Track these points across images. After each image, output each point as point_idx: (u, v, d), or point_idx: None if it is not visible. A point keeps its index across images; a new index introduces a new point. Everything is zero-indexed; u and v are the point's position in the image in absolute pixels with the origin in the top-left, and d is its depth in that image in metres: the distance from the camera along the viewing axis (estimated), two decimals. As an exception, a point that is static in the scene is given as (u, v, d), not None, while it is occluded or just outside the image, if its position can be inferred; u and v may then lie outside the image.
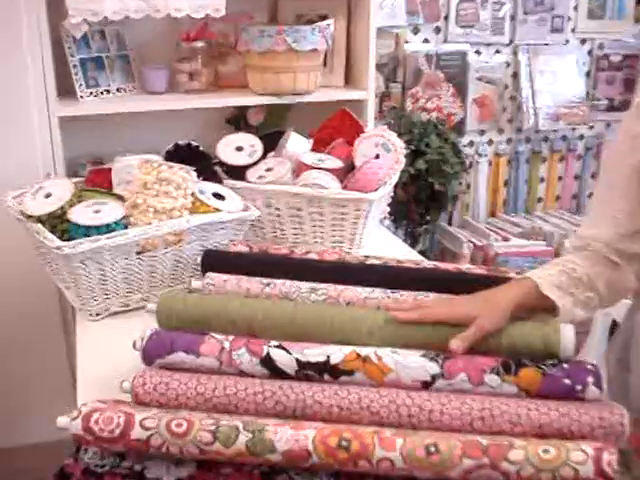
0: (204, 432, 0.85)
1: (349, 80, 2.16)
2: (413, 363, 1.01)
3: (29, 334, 1.97)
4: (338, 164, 1.75)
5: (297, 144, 1.80)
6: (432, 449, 0.83)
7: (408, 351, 1.03)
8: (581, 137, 2.80)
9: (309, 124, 1.96)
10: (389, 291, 1.19)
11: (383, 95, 2.43)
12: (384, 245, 1.85)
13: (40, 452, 0.86)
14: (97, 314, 1.42)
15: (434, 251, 2.55)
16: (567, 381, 0.99)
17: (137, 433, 0.86)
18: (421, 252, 2.31)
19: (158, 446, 0.85)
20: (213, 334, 1.05)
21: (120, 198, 1.48)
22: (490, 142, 2.66)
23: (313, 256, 1.39)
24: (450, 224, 2.63)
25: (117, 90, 2.01)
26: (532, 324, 1.09)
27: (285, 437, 0.84)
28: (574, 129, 2.75)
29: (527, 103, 2.59)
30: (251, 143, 1.79)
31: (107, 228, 1.36)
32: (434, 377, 1.00)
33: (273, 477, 0.90)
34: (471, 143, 2.62)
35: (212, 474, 0.91)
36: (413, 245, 2.40)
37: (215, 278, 1.24)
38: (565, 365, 1.00)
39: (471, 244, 2.42)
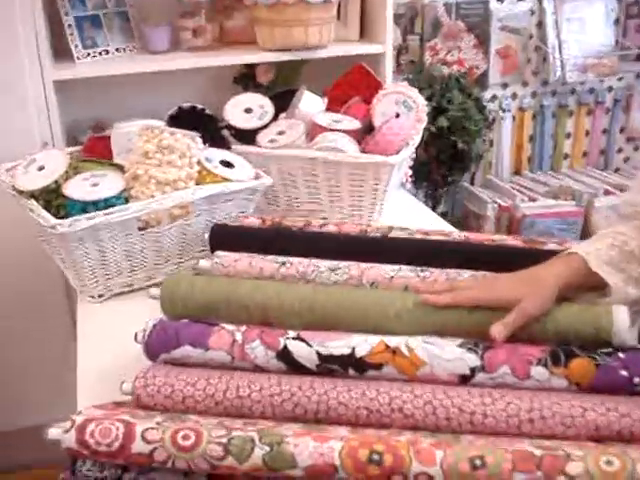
0: (214, 445, 0.74)
1: (365, 33, 2.01)
2: (449, 354, 0.89)
3: (32, 317, 1.86)
4: (355, 125, 1.61)
5: (311, 103, 1.67)
6: (478, 462, 0.72)
7: (443, 340, 0.92)
8: (610, 89, 2.64)
9: (323, 81, 1.82)
10: (418, 269, 1.07)
11: (400, 48, 2.27)
12: (406, 211, 1.73)
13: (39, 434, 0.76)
14: (99, 296, 1.31)
15: (456, 214, 2.42)
16: (624, 372, 0.87)
17: (138, 446, 0.75)
18: (442, 214, 2.19)
19: (163, 460, 0.75)
20: (223, 324, 0.94)
21: (120, 169, 1.36)
22: (514, 96, 2.50)
23: (332, 228, 1.27)
24: (472, 184, 2.49)
25: (116, 50, 1.86)
26: (580, 306, 0.97)
27: (307, 450, 0.73)
28: (602, 81, 2.59)
29: (553, 53, 2.42)
30: (261, 104, 1.66)
31: (106, 203, 1.24)
32: (473, 370, 0.89)
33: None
34: (494, 97, 2.46)
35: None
36: (434, 208, 2.27)
37: (224, 257, 1.12)
38: (621, 354, 0.89)
39: (496, 205, 2.29)
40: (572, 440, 0.81)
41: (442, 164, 2.12)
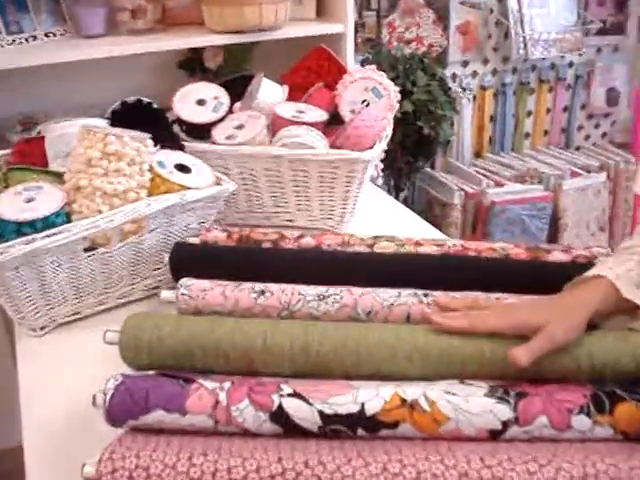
0: None
1: (321, 11, 1.83)
2: (477, 407, 0.75)
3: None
4: (322, 116, 1.45)
5: (270, 92, 1.49)
6: None
7: (467, 387, 0.77)
8: (570, 64, 2.53)
9: (276, 65, 1.64)
10: (420, 293, 0.92)
11: (356, 25, 2.10)
12: (379, 210, 1.58)
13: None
14: (41, 328, 1.12)
15: (418, 200, 2.28)
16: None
17: None
18: (404, 202, 2.06)
19: None
20: (202, 380, 0.78)
21: (58, 177, 1.17)
22: (474, 74, 2.37)
23: (309, 240, 1.11)
24: (433, 168, 2.36)
25: (45, 35, 1.64)
26: (614, 334, 0.84)
27: None
28: (562, 56, 2.48)
29: (515, 29, 2.29)
30: (215, 94, 1.47)
31: (44, 223, 1.05)
32: (506, 424, 0.75)
33: None
34: (454, 76, 2.32)
35: None
36: (397, 196, 2.13)
37: (192, 286, 0.95)
38: (673, 394, 0.76)
39: (462, 192, 2.15)
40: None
41: (406, 151, 1.97)
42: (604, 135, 2.74)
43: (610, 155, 2.52)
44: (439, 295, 0.92)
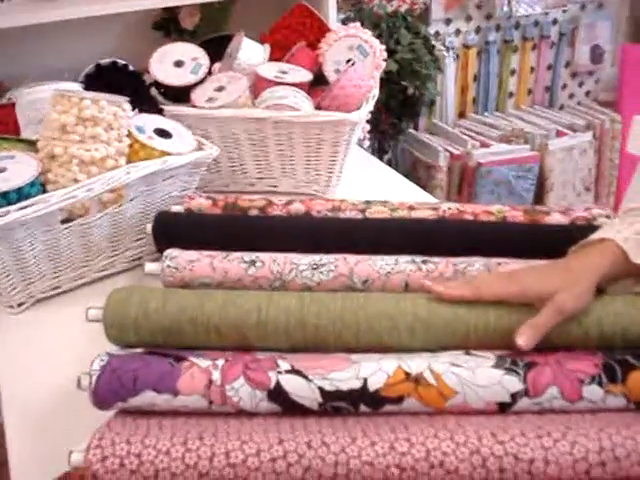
0: None
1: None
2: (485, 379, 0.71)
3: None
4: (306, 76, 1.39)
5: (251, 53, 1.43)
6: None
7: (473, 358, 0.74)
8: (554, 22, 2.47)
9: (256, 24, 1.57)
10: (419, 260, 0.88)
11: (337, -18, 2.03)
12: (365, 172, 1.53)
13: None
14: (19, 304, 1.07)
15: (402, 162, 2.23)
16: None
17: None
18: (388, 163, 2.01)
19: None
20: (193, 359, 0.73)
21: (31, 145, 1.11)
22: (457, 32, 2.30)
23: (298, 206, 1.06)
24: (416, 129, 2.30)
25: (8, -5, 1.56)
26: (623, 300, 0.80)
27: None
28: (547, 13, 2.42)
29: (498, -16, 2.24)
30: (193, 55, 1.41)
31: (18, 194, 0.99)
32: (515, 396, 0.71)
33: None
34: (437, 34, 2.26)
35: None
36: (380, 160, 2.08)
37: (178, 258, 0.90)
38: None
39: (447, 154, 2.11)
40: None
41: (391, 112, 1.91)
42: (588, 93, 2.70)
43: (595, 114, 2.48)
44: (438, 262, 0.87)
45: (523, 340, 0.73)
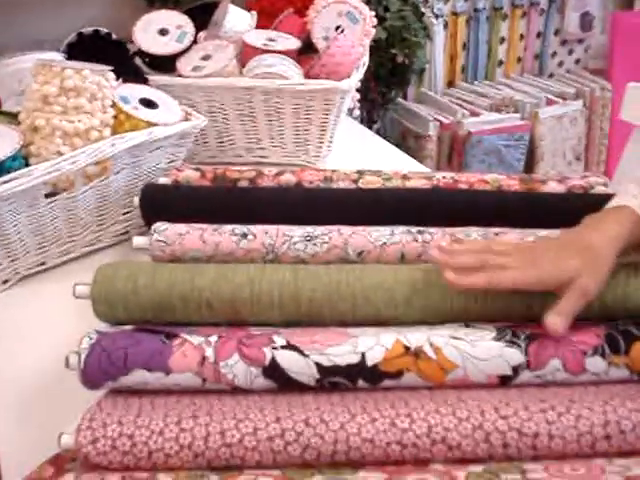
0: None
1: None
2: (485, 352, 0.70)
3: None
4: (294, 44, 1.36)
5: (237, 20, 1.39)
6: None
7: (473, 331, 0.72)
8: (544, -14, 2.45)
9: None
10: (414, 230, 0.86)
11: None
12: (356, 142, 1.50)
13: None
14: (4, 281, 1.04)
15: (394, 134, 2.20)
16: None
17: None
18: (378, 134, 1.98)
19: None
20: (185, 335, 0.71)
21: (13, 118, 1.07)
22: (446, -1, 2.27)
23: (289, 177, 1.03)
24: (405, 98, 2.27)
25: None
26: (625, 269, 0.78)
27: (343, 529, 0.52)
28: (536, -23, 2.39)
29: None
30: (178, 23, 1.37)
31: (0, 168, 0.96)
32: (516, 369, 0.69)
33: None
34: (425, 1, 2.21)
35: None
36: (370, 129, 2.05)
37: (166, 231, 0.87)
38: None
39: (437, 123, 2.08)
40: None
41: (380, 81, 1.88)
42: (578, 61, 2.67)
43: (585, 82, 2.46)
44: (435, 232, 0.85)
45: (554, 324, 0.69)
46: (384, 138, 1.86)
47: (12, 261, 1.03)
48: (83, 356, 0.69)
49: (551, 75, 2.57)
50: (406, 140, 2.15)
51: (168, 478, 0.60)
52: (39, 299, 1.02)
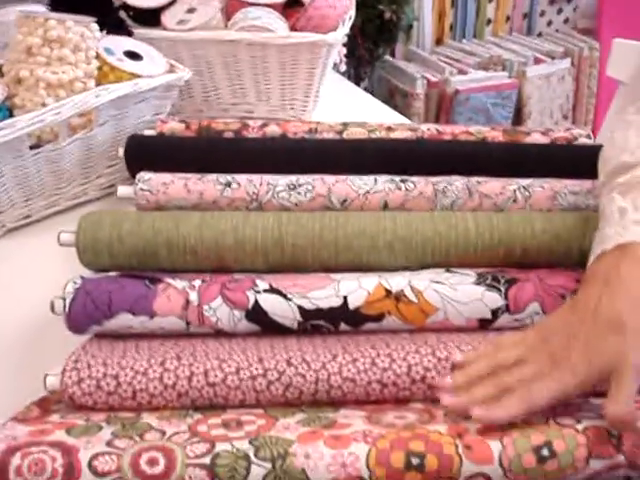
0: (194, 469, 0.53)
1: None
2: (466, 296, 0.71)
3: None
4: (279, -4, 1.35)
5: (222, -27, 1.37)
6: (545, 453, 0.55)
7: (454, 275, 0.73)
8: (533, -58, 2.43)
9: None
10: (397, 179, 0.86)
11: None
12: (343, 98, 1.50)
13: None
14: (-11, 234, 1.04)
15: (381, 91, 2.19)
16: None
17: (87, 483, 0.53)
18: (365, 92, 1.97)
19: (123, 496, 0.54)
20: (169, 280, 0.72)
21: (-4, 70, 1.07)
22: (434, -46, 2.25)
23: (274, 129, 1.03)
24: (393, 56, 2.26)
25: None
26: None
27: (323, 462, 0.54)
28: None
29: None
30: (162, -24, 1.35)
31: (-16, 118, 0.96)
32: (496, 312, 0.71)
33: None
34: (413, -43, 2.20)
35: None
36: (357, 86, 2.04)
37: (151, 180, 0.88)
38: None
39: (425, 81, 2.07)
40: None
41: (367, 37, 1.87)
42: (566, 21, 2.66)
43: (574, 41, 2.45)
44: (417, 181, 0.86)
45: (623, 421, 0.55)
46: (372, 95, 1.86)
47: (-2, 213, 1.03)
48: (68, 301, 0.69)
49: (540, 34, 2.57)
50: (394, 98, 2.15)
51: (152, 417, 0.61)
52: (25, 251, 1.02)
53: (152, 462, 0.53)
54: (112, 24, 1.22)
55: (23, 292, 0.92)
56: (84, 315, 0.69)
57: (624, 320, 0.58)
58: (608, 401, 0.56)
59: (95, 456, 0.53)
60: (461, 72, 2.11)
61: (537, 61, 2.24)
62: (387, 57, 2.18)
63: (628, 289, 0.60)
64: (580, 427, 0.57)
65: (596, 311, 0.60)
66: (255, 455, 0.54)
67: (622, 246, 0.63)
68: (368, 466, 0.54)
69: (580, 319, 0.61)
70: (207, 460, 0.53)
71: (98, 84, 1.05)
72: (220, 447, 0.54)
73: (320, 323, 0.70)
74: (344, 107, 1.45)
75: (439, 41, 2.37)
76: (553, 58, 2.29)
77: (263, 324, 0.70)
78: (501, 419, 0.57)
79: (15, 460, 0.53)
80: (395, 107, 2.08)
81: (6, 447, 0.54)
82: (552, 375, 0.58)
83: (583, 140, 1.02)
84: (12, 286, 0.95)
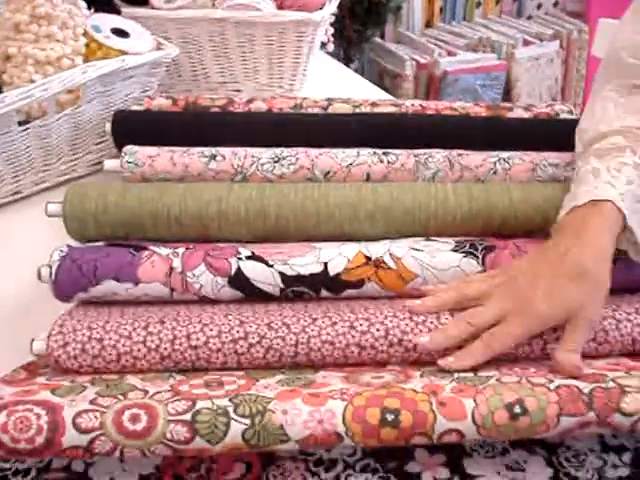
0: (175, 425, 0.55)
1: None
2: (444, 263, 0.72)
3: None
4: (267, -24, 1.35)
5: (209, -47, 1.38)
6: (518, 410, 0.56)
7: (433, 243, 0.74)
8: None
9: None
10: (380, 152, 0.88)
11: None
12: (332, 78, 1.51)
13: None
14: (-21, 209, 1.05)
15: (371, 73, 2.20)
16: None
17: (71, 439, 0.54)
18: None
19: (108, 451, 0.55)
20: (154, 247, 0.73)
21: (-16, 47, 1.07)
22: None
23: (260, 105, 1.04)
24: (383, 38, 2.27)
25: None
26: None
27: (301, 418, 0.55)
28: None
29: None
30: (150, -45, 1.36)
31: (-28, 93, 0.96)
32: (473, 279, 0.72)
33: (275, 460, 0.63)
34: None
35: (190, 461, 0.62)
36: (346, 67, 2.05)
37: (137, 154, 0.89)
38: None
39: (414, 62, 2.08)
40: (605, 357, 0.67)
41: (356, 18, 1.88)
42: (556, 4, 2.67)
43: (563, 24, 2.46)
44: (399, 154, 0.87)
45: (572, 366, 0.61)
46: (362, 76, 1.87)
47: (-14, 189, 1.04)
48: (54, 268, 0.71)
49: (529, 17, 2.57)
50: (383, 80, 2.16)
51: (136, 379, 0.63)
52: (15, 226, 1.03)
53: (134, 419, 0.55)
54: (100, 2, 1.22)
55: (12, 265, 0.93)
56: (70, 282, 0.70)
57: (588, 271, 0.63)
58: (560, 346, 0.62)
59: (79, 413, 0.55)
60: (450, 54, 2.12)
61: (526, 43, 2.25)
62: (377, 39, 2.19)
63: (597, 243, 0.65)
64: (552, 386, 0.58)
65: (564, 259, 0.64)
66: (234, 412, 0.55)
67: (594, 202, 0.67)
68: (344, 422, 0.55)
69: (548, 263, 0.65)
70: (188, 417, 0.55)
71: (86, 61, 1.06)
72: (201, 404, 0.56)
73: (301, 289, 0.71)
74: (333, 87, 1.46)
75: (429, 24, 2.38)
76: (542, 40, 2.29)
77: (246, 290, 0.71)
78: (467, 366, 0.62)
79: (1, 418, 0.54)
80: (385, 89, 2.09)
81: (-8, 406, 0.56)
82: (515, 318, 0.63)
83: (565, 116, 1.03)
84: (1, 259, 0.96)
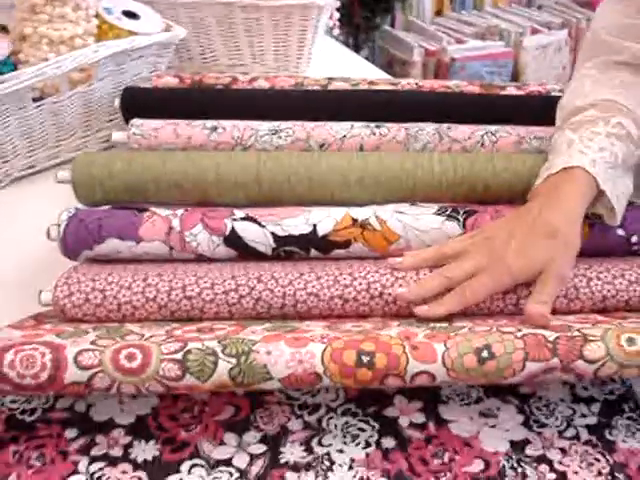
0: (168, 363, 0.60)
1: None
2: (426, 224, 0.77)
3: None
4: (273, -38, 1.40)
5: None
6: (485, 354, 0.61)
7: (417, 207, 0.79)
8: None
9: None
10: (373, 125, 0.92)
11: None
12: (336, 60, 1.55)
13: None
14: (-3, 182, 1.11)
15: (379, 59, 2.24)
16: (620, 232, 0.77)
17: (72, 375, 0.59)
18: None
19: (106, 387, 0.60)
20: (155, 209, 0.78)
21: (3, 29, 1.13)
22: None
23: (262, 83, 1.09)
24: (393, 27, 2.31)
25: None
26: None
27: (283, 358, 0.60)
28: None
29: None
30: (161, -58, 1.41)
31: (-11, 71, 1.02)
32: (454, 240, 0.77)
33: (263, 397, 0.68)
34: None
35: (184, 403, 0.68)
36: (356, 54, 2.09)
37: (143, 126, 0.94)
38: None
39: (422, 49, 2.12)
40: (576, 313, 0.71)
41: (364, 5, 1.92)
42: (567, -7, 2.69)
43: (573, 13, 2.48)
44: (390, 126, 0.91)
45: (540, 317, 0.66)
46: (372, 63, 1.91)
47: (4, 163, 1.10)
48: (62, 227, 0.76)
49: (539, 7, 2.60)
50: (392, 67, 2.20)
51: (135, 325, 0.68)
52: (30, 198, 1.09)
53: (130, 357, 0.60)
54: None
55: (27, 231, 0.98)
56: (77, 240, 0.75)
57: (558, 230, 0.68)
58: (530, 298, 0.67)
59: (80, 352, 0.60)
60: (458, 41, 2.15)
61: (534, 31, 2.28)
62: (387, 27, 2.23)
63: (567, 206, 0.70)
64: (519, 334, 0.62)
65: (536, 219, 0.70)
66: (222, 352, 0.60)
67: (566, 169, 0.72)
68: (323, 363, 0.60)
69: (521, 224, 0.70)
70: (179, 356, 0.60)
71: (97, 41, 1.12)
72: (191, 345, 0.61)
73: (292, 249, 0.76)
74: (340, 73, 1.50)
75: (439, 12, 2.41)
76: (550, 29, 2.32)
77: (240, 249, 0.76)
78: (441, 313, 0.67)
79: (9, 356, 0.60)
80: (394, 75, 2.13)
81: (1, 345, 0.61)
82: (488, 272, 0.68)
83: (556, 94, 1.07)
84: (17, 227, 1.02)
